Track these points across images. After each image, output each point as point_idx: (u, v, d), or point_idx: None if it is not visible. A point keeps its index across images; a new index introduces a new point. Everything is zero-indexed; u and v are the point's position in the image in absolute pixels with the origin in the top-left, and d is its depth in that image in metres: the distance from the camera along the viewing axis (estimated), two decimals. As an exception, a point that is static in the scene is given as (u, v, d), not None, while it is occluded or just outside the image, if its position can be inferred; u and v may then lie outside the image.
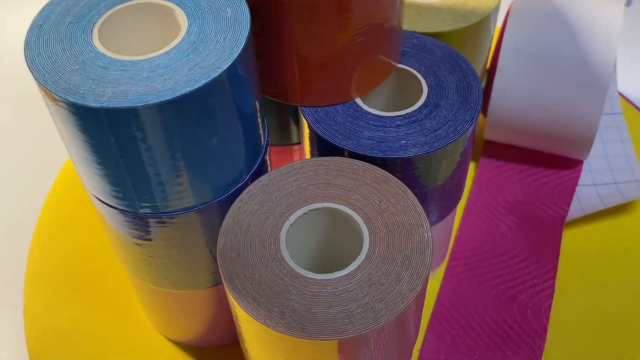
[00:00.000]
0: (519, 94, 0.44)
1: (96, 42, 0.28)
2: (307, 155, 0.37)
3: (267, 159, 0.35)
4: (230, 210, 0.31)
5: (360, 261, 0.29)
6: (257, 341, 0.29)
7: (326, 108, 0.35)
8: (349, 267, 0.29)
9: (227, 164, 0.31)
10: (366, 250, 0.29)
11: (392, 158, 0.33)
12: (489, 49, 0.44)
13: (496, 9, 0.41)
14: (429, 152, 0.33)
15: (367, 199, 0.31)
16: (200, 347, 0.42)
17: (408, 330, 0.30)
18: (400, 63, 0.37)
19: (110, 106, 0.25)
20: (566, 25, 0.44)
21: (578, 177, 0.48)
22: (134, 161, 0.28)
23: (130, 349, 0.42)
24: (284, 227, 0.30)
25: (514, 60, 0.44)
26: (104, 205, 0.32)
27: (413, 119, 0.34)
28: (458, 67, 0.36)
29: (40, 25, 0.28)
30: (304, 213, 0.31)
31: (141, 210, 0.31)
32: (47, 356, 0.41)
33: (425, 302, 0.43)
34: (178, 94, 0.26)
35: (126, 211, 0.31)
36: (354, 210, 0.31)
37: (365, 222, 0.30)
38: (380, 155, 0.33)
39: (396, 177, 0.34)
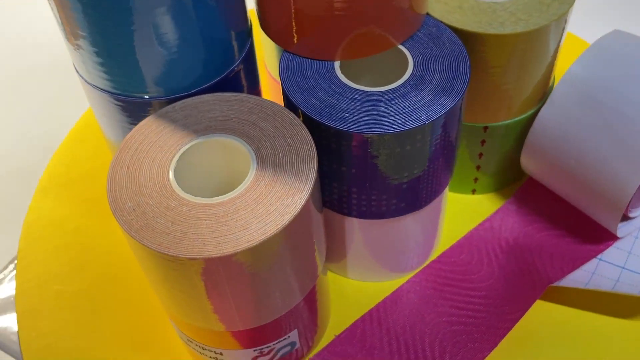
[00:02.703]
0: (561, 131, 0.40)
1: None
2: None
3: (242, 81, 0.36)
4: (158, 111, 0.33)
5: (226, 198, 0.29)
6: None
7: (303, 59, 0.35)
8: (214, 198, 0.29)
9: (176, 67, 0.33)
10: (238, 192, 0.29)
11: (326, 125, 0.32)
12: (547, 66, 0.39)
13: (555, 26, 0.36)
14: (362, 133, 0.31)
15: (274, 150, 0.31)
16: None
17: (261, 277, 0.30)
18: (403, 45, 0.35)
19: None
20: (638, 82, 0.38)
21: (600, 250, 0.42)
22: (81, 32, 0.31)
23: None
24: (188, 144, 0.31)
25: (568, 96, 0.39)
26: (86, 84, 0.35)
27: (373, 98, 0.33)
28: (455, 68, 0.34)
29: None
30: (213, 139, 0.31)
31: (108, 89, 0.34)
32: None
33: (368, 300, 0.42)
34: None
35: (93, 85, 0.35)
36: (255, 154, 0.31)
37: (257, 169, 0.30)
38: (317, 117, 0.32)
39: (330, 147, 0.33)
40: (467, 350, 0.39)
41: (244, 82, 0.37)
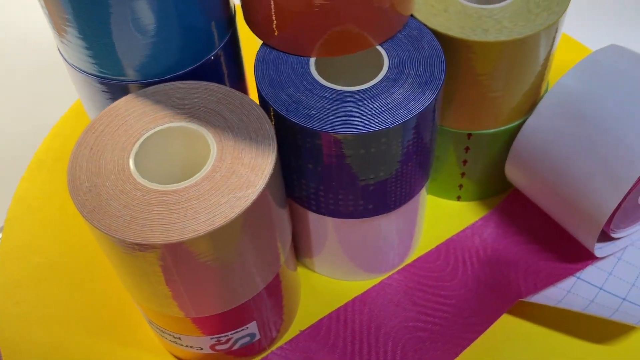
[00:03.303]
0: (545, 142, 0.39)
1: None
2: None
3: (222, 68, 0.36)
4: (128, 95, 0.33)
5: (180, 187, 0.29)
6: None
7: (280, 53, 0.35)
8: (168, 185, 0.29)
9: (153, 52, 0.33)
10: (193, 181, 0.30)
11: (291, 121, 0.32)
12: (536, 76, 0.39)
13: (544, 36, 0.36)
14: (327, 132, 0.31)
15: (235, 141, 0.31)
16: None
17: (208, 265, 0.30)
18: (382, 45, 0.35)
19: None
20: (630, 101, 0.37)
21: (577, 269, 0.41)
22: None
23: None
24: (153, 129, 0.32)
25: (555, 108, 0.38)
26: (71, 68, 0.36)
27: (342, 98, 0.32)
28: (430, 72, 0.33)
29: None
30: (177, 126, 0.32)
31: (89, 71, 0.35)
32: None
33: (338, 298, 0.42)
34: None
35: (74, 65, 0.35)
36: (217, 145, 0.31)
37: (215, 160, 0.30)
38: (284, 113, 0.32)
39: (297, 144, 0.33)
40: (429, 358, 0.38)
41: (224, 70, 0.37)
